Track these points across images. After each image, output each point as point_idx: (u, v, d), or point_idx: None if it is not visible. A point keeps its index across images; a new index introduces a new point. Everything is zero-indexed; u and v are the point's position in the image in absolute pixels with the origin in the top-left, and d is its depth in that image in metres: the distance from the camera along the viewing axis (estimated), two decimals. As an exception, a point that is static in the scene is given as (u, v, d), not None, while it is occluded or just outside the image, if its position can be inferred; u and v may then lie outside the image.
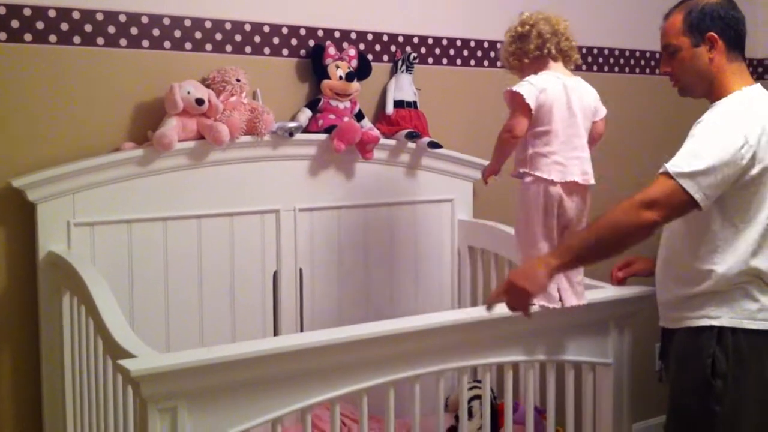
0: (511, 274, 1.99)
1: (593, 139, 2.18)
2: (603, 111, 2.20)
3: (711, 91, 2.07)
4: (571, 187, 2.09)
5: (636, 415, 2.42)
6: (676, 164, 1.91)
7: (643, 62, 3.55)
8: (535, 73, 2.12)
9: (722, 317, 1.97)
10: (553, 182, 2.06)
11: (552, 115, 2.07)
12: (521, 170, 2.09)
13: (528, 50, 2.13)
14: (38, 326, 2.25)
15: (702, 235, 1.99)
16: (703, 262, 1.98)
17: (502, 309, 2.09)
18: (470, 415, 2.42)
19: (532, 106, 2.04)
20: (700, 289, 1.99)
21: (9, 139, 2.23)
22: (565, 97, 2.09)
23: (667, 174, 1.91)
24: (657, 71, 3.57)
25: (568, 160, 2.08)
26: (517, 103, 2.06)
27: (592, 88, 2.19)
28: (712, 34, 2.03)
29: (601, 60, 3.41)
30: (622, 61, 3.49)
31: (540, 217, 2.07)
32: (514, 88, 2.07)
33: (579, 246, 1.96)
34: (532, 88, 2.06)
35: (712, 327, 1.98)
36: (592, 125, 2.17)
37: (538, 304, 2.04)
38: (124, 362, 1.57)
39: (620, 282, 2.30)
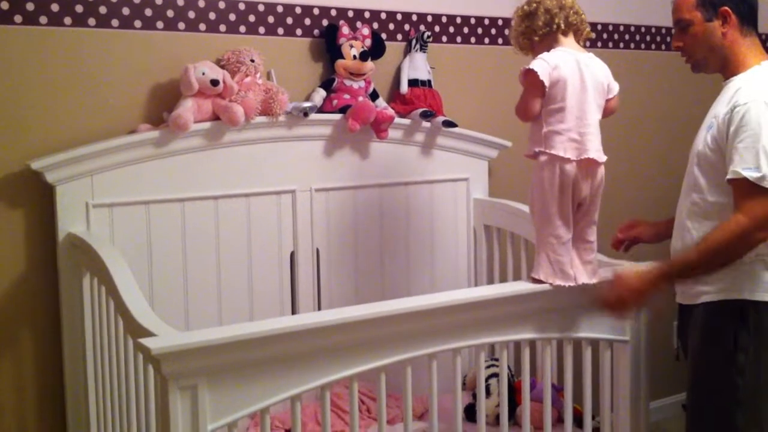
0: (618, 284, 2.02)
1: (605, 116, 2.17)
2: (616, 88, 2.18)
3: (725, 66, 2.06)
4: (586, 165, 2.08)
5: (654, 393, 2.42)
6: (752, 170, 1.88)
7: (659, 38, 3.52)
8: (547, 50, 2.11)
9: (743, 291, 1.97)
10: (568, 160, 2.05)
11: (566, 92, 2.06)
12: (536, 149, 2.08)
13: (537, 27, 2.11)
14: (59, 307, 2.28)
15: (723, 209, 1.97)
16: None
17: (517, 287, 2.10)
18: (488, 392, 2.43)
19: (546, 83, 2.03)
20: None
21: (27, 121, 2.25)
22: (579, 73, 2.08)
23: (748, 182, 1.88)
24: (664, 47, 3.54)
25: (583, 137, 2.07)
26: (530, 81, 2.05)
27: (604, 64, 2.17)
28: (726, 8, 2.01)
29: (616, 36, 3.38)
30: (637, 37, 3.45)
31: (556, 196, 2.06)
32: (529, 66, 2.06)
33: (690, 266, 1.99)
34: (545, 64, 2.04)
35: (733, 301, 1.98)
36: (605, 103, 2.16)
37: (553, 283, 2.05)
38: (145, 341, 1.59)
39: (620, 244, 2.30)
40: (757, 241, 1.91)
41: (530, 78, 2.04)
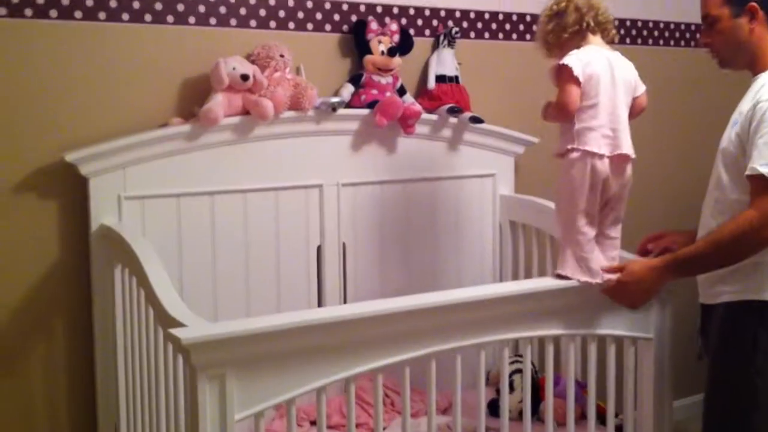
0: (628, 275, 2.05)
1: (633, 114, 2.17)
2: (642, 87, 2.18)
3: (752, 63, 2.04)
4: (618, 161, 2.09)
5: (678, 392, 2.42)
6: None
7: (688, 35, 3.49)
8: (577, 48, 2.11)
9: (764, 291, 1.96)
10: (601, 156, 2.05)
11: (599, 88, 2.06)
12: (569, 146, 2.08)
13: (567, 24, 2.12)
14: (91, 297, 2.32)
15: (745, 206, 1.95)
16: None
17: (542, 283, 2.11)
18: (511, 388, 2.44)
19: (581, 78, 2.04)
20: (742, 263, 1.98)
21: (61, 115, 2.29)
22: (609, 69, 2.08)
23: (764, 179, 1.88)
24: (693, 44, 3.51)
25: (615, 133, 2.08)
26: (565, 76, 2.05)
27: (631, 63, 2.17)
28: (753, 4, 2.00)
29: (645, 32, 3.36)
30: (666, 33, 3.43)
31: (585, 194, 2.07)
32: (562, 61, 2.06)
33: (697, 259, 2.00)
34: (578, 60, 2.05)
35: (755, 301, 1.97)
36: (633, 101, 2.16)
37: (579, 279, 2.06)
38: (175, 331, 1.62)
39: (646, 255, 2.30)
40: (766, 238, 1.90)
41: (565, 73, 2.05)
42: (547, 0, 2.19)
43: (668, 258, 2.05)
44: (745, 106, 1.99)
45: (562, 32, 2.13)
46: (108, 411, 2.32)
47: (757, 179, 1.89)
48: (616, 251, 2.14)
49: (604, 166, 2.06)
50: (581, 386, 2.48)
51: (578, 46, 2.11)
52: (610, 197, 2.11)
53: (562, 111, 2.07)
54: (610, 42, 2.19)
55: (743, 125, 1.96)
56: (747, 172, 1.91)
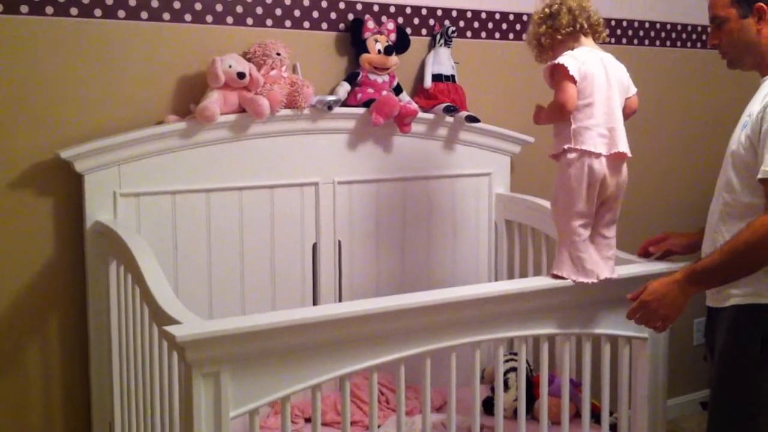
0: (649, 295, 1.99)
1: (625, 116, 2.17)
2: (634, 88, 2.19)
3: (761, 63, 2.04)
4: (614, 160, 2.09)
5: (672, 391, 2.43)
6: None
7: (694, 36, 3.50)
8: (570, 49, 2.12)
9: None
10: (598, 155, 2.06)
11: (594, 87, 2.07)
12: (566, 146, 2.08)
13: (560, 26, 2.13)
14: (86, 293, 2.32)
15: (756, 210, 1.93)
16: None
17: (538, 282, 2.12)
18: (506, 386, 2.45)
19: (577, 77, 2.04)
20: None
21: (57, 111, 2.29)
22: (603, 69, 2.09)
23: None
24: (699, 45, 3.52)
25: (612, 132, 2.08)
26: (561, 75, 2.06)
27: (622, 64, 2.18)
28: (761, 4, 1.99)
29: (652, 33, 3.37)
30: (673, 34, 3.44)
31: (583, 193, 2.07)
32: (557, 61, 2.06)
33: (717, 269, 1.95)
34: (573, 60, 2.05)
35: (762, 305, 1.96)
36: (625, 102, 2.16)
37: (575, 280, 2.06)
38: (170, 328, 1.62)
39: (648, 257, 2.30)
40: None
41: (561, 72, 2.05)
42: (538, 2, 2.20)
43: (687, 271, 2.00)
44: (754, 107, 1.97)
45: (556, 34, 2.14)
46: (102, 408, 2.32)
47: None
48: (612, 250, 2.14)
49: (601, 165, 2.07)
50: (575, 385, 2.48)
51: (571, 48, 2.12)
52: (607, 197, 2.12)
53: (561, 110, 2.07)
54: (602, 43, 2.20)
55: (754, 127, 1.94)
56: (759, 176, 1.89)
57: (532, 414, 2.42)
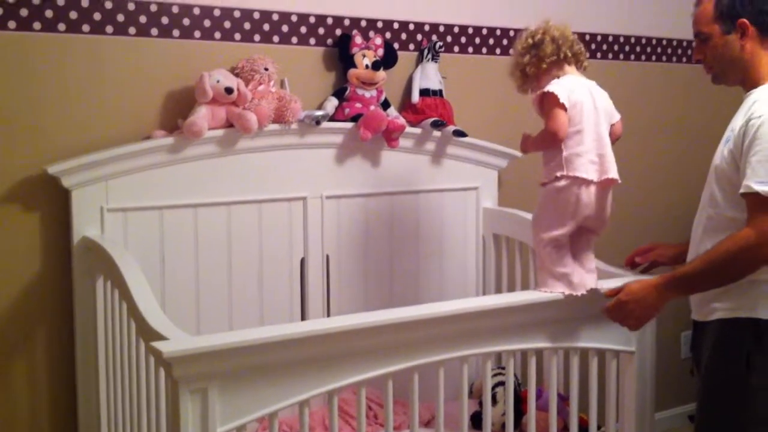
0: (627, 295, 2.03)
1: (612, 141, 2.19)
2: (617, 115, 2.21)
3: (745, 79, 2.05)
4: (604, 185, 2.10)
5: (660, 404, 2.43)
6: (764, 183, 1.86)
7: (680, 51, 3.54)
8: (556, 78, 2.13)
9: (758, 309, 1.95)
10: (589, 183, 2.07)
11: (582, 115, 2.08)
12: (558, 174, 2.09)
13: (545, 55, 2.14)
14: (72, 309, 2.31)
15: (740, 224, 1.94)
16: None
17: (525, 296, 2.12)
18: (494, 401, 2.45)
19: (567, 105, 2.05)
20: (737, 281, 1.97)
21: (44, 127, 2.28)
22: (590, 96, 2.11)
23: (759, 197, 1.86)
24: (684, 59, 3.55)
25: (601, 158, 2.09)
26: (551, 103, 2.06)
27: (605, 92, 2.20)
28: (743, 20, 2.00)
29: (637, 49, 3.40)
30: (659, 49, 3.47)
31: (569, 220, 2.08)
32: (546, 89, 2.08)
33: (695, 277, 1.98)
34: (562, 88, 2.07)
35: (748, 319, 1.96)
36: (610, 128, 2.18)
37: (563, 292, 2.07)
38: (157, 344, 1.61)
39: (634, 267, 2.31)
40: (764, 257, 1.89)
41: (551, 100, 2.06)
42: (521, 32, 2.22)
43: (667, 276, 2.02)
44: (737, 122, 1.99)
45: (541, 63, 2.15)
46: (90, 424, 2.31)
47: (753, 197, 1.88)
48: (593, 262, 2.16)
49: (589, 194, 2.08)
50: (563, 399, 2.49)
51: (556, 76, 2.14)
52: (593, 221, 2.13)
53: (553, 138, 2.07)
54: (583, 71, 2.22)
55: (736, 142, 1.95)
56: (741, 190, 1.90)
57: (520, 428, 2.42)
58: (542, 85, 2.12)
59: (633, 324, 2.07)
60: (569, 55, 2.16)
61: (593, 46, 3.26)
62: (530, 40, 2.17)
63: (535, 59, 2.16)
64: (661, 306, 2.03)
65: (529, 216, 2.70)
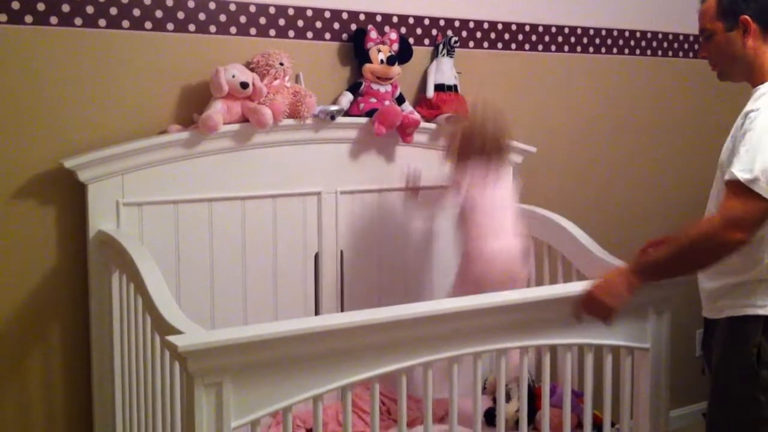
0: (592, 287, 2.02)
1: None
2: None
3: (750, 75, 2.05)
4: None
5: (674, 402, 2.42)
6: (745, 171, 1.85)
7: (686, 46, 3.51)
8: None
9: (767, 305, 1.95)
10: None
11: None
12: None
13: None
14: (88, 303, 2.32)
15: None
16: (750, 250, 1.94)
17: (539, 292, 2.12)
18: (508, 397, 2.44)
19: None
20: (747, 278, 1.97)
21: (60, 121, 2.29)
22: None
23: (738, 183, 1.85)
24: (691, 54, 3.53)
25: None
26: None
27: None
28: (746, 17, 1.99)
29: (643, 44, 3.38)
30: (665, 44, 3.45)
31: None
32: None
33: (662, 263, 1.97)
34: None
35: (758, 316, 1.96)
36: None
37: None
38: (172, 338, 1.62)
39: None
40: (728, 241, 1.85)
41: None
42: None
43: (633, 262, 2.02)
44: (740, 118, 1.99)
45: None
46: (104, 417, 2.32)
47: (733, 184, 1.87)
48: None
49: None
50: (577, 396, 2.48)
51: None
52: None
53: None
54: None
55: (735, 136, 1.96)
56: (725, 177, 1.90)
57: (534, 425, 2.41)
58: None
59: (604, 315, 2.01)
60: None
61: (597, 41, 3.23)
62: None
63: None
64: (629, 294, 1.99)
65: (544, 212, 2.71)
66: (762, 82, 2.02)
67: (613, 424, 2.28)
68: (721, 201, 1.93)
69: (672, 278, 2.05)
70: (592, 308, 2.02)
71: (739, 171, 1.86)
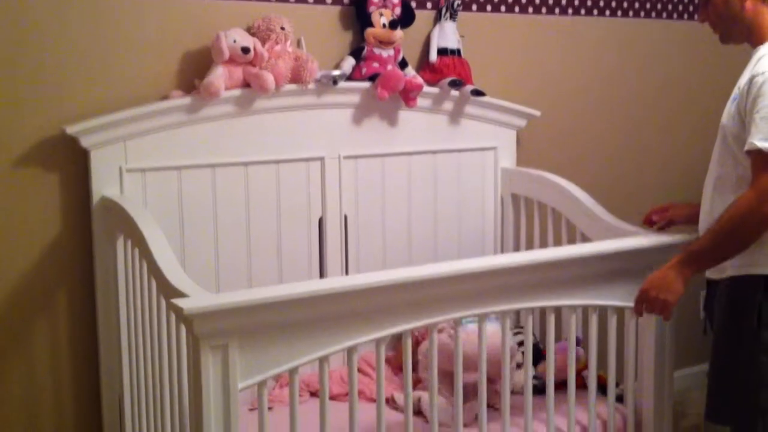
0: (647, 284, 2.02)
1: None
2: None
3: (750, 37, 2.04)
4: None
5: (678, 363, 2.43)
6: (766, 140, 1.84)
7: (691, 7, 3.47)
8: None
9: None
10: None
11: None
12: None
13: None
14: (93, 269, 2.33)
15: (746, 183, 1.93)
16: None
17: (543, 254, 2.12)
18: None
19: None
20: None
21: (62, 87, 2.28)
22: None
23: (762, 154, 1.85)
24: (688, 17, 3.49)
25: None
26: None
27: None
28: None
29: (637, 5, 3.35)
30: (670, 6, 3.41)
31: None
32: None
33: (709, 249, 1.97)
34: None
35: (759, 276, 1.96)
36: None
37: None
38: (178, 301, 1.63)
39: (652, 225, 2.31)
40: (767, 215, 1.86)
41: None
42: None
43: (681, 254, 2.02)
44: (743, 80, 1.98)
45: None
46: (111, 382, 2.34)
47: (756, 154, 1.88)
48: None
49: None
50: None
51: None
52: None
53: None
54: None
55: (741, 99, 1.95)
56: (746, 147, 1.89)
57: (536, 375, 2.40)
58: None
59: (661, 310, 2.03)
60: None
61: (602, 3, 3.20)
62: None
63: None
64: (683, 285, 2.00)
65: (547, 175, 2.70)
66: (762, 43, 2.01)
67: (617, 385, 2.29)
68: (749, 175, 1.91)
69: (721, 263, 2.02)
70: (650, 305, 2.03)
71: (760, 140, 1.86)
